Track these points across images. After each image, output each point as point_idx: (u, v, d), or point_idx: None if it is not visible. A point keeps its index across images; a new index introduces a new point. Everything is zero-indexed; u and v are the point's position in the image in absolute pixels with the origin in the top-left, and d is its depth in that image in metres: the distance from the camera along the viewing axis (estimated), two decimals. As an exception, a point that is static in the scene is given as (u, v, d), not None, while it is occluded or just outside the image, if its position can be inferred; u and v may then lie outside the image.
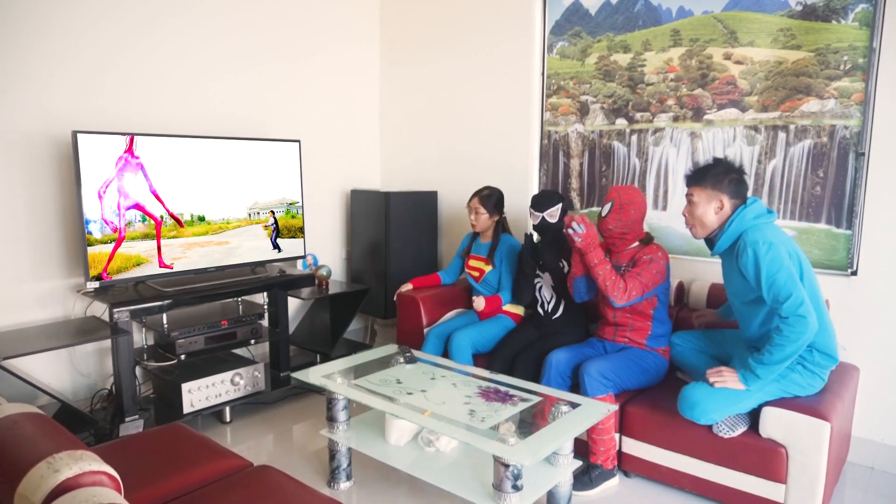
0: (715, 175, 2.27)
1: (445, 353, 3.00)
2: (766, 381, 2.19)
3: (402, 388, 2.39)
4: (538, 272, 2.96)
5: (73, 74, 2.91)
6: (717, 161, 2.37)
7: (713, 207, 2.27)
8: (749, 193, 2.57)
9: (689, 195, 2.34)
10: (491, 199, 3.14)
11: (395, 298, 3.36)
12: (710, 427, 2.28)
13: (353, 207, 4.08)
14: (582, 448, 2.50)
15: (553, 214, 2.88)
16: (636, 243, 2.63)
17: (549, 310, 2.95)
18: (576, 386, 2.55)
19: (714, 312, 2.75)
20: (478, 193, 3.17)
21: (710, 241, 2.34)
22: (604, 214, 2.60)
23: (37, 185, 2.85)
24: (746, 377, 2.20)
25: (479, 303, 3.04)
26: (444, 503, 2.38)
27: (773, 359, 2.13)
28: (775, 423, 2.16)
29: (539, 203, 2.90)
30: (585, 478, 2.45)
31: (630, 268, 2.58)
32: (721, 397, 2.22)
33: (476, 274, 3.21)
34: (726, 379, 2.23)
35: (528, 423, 2.14)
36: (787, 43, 2.73)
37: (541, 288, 2.97)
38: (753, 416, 2.26)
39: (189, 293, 2.94)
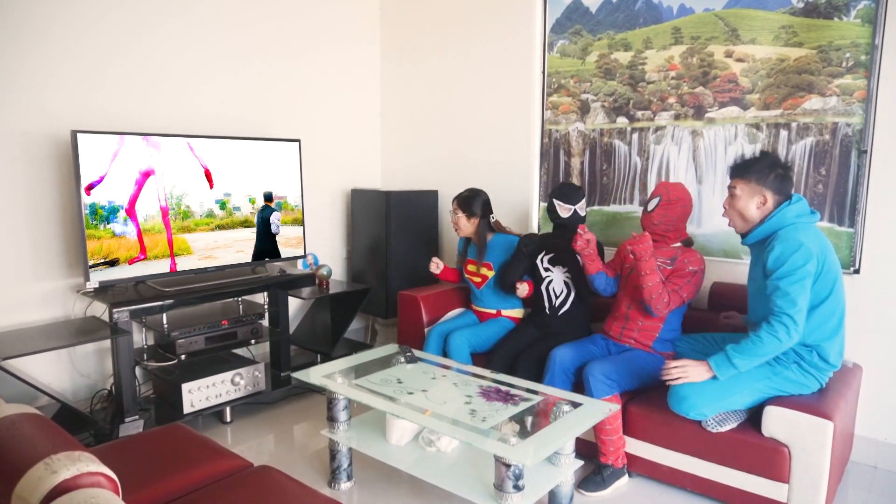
0: (760, 169, 2.21)
1: (446, 352, 2.99)
2: (739, 370, 2.15)
3: (402, 387, 2.39)
4: (549, 266, 2.94)
5: (72, 74, 2.90)
6: (763, 154, 2.31)
7: (756, 202, 2.22)
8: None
9: (731, 187, 2.28)
10: (469, 200, 3.12)
11: (432, 268, 3.26)
12: (699, 423, 2.28)
13: (354, 207, 4.08)
14: (590, 449, 2.50)
15: (583, 207, 2.93)
16: (678, 244, 2.62)
17: (557, 304, 2.93)
18: (578, 382, 2.55)
19: (739, 317, 2.70)
20: (457, 196, 3.17)
21: (743, 234, 2.31)
22: (650, 209, 2.59)
23: (37, 184, 2.84)
24: (720, 365, 2.17)
25: (523, 289, 2.96)
26: (445, 503, 2.37)
27: (750, 350, 2.13)
28: (778, 423, 2.15)
29: (569, 196, 2.91)
30: (598, 478, 2.45)
31: (666, 264, 2.56)
32: (710, 392, 2.21)
33: (478, 280, 3.17)
34: (688, 373, 2.19)
35: (530, 422, 2.13)
36: (788, 40, 2.72)
37: (550, 282, 2.95)
38: (756, 416, 2.25)
39: (189, 293, 2.93)
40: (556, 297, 2.94)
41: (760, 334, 2.11)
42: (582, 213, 2.93)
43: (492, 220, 3.18)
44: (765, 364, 2.23)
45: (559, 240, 2.93)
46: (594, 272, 2.73)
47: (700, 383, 2.23)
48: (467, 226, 3.14)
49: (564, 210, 2.91)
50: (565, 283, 2.92)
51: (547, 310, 2.96)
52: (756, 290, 2.31)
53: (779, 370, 2.22)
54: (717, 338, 2.61)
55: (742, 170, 2.25)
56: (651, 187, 3.18)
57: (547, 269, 2.97)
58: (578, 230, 2.64)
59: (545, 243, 2.99)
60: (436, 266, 3.26)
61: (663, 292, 2.47)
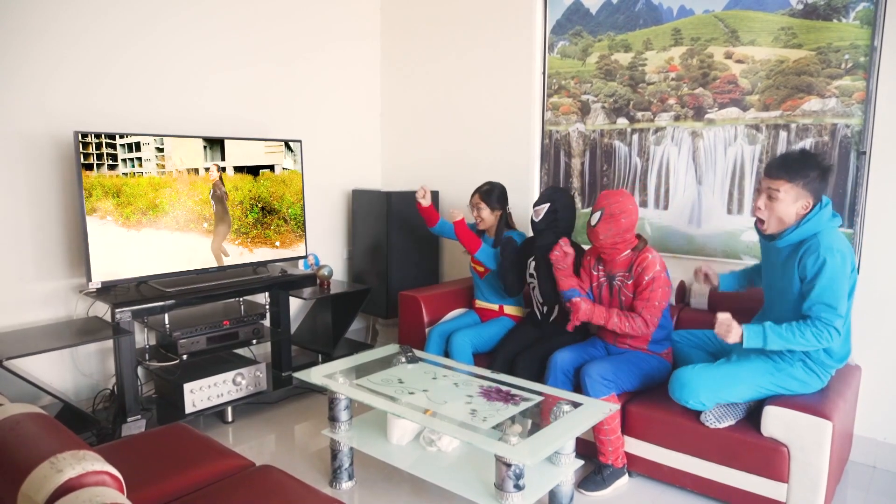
0: (808, 172, 2.09)
1: (447, 352, 3.00)
2: (765, 347, 2.11)
3: (403, 387, 2.40)
4: (533, 273, 2.94)
5: (73, 74, 2.91)
6: (807, 154, 2.16)
7: (799, 206, 2.11)
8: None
9: (773, 189, 2.13)
10: (491, 193, 3.12)
11: (419, 195, 3.23)
12: (698, 418, 2.29)
13: (355, 207, 4.08)
14: (590, 449, 2.51)
15: (538, 212, 2.86)
16: (628, 251, 2.56)
17: (545, 312, 2.94)
18: (579, 383, 2.55)
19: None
20: (478, 189, 3.16)
21: (772, 234, 2.22)
22: (593, 223, 2.53)
23: (39, 185, 2.85)
24: (752, 334, 2.10)
25: (457, 214, 3.01)
26: (446, 503, 2.38)
27: (788, 337, 2.09)
28: (777, 422, 2.16)
29: (538, 200, 2.90)
30: (598, 478, 2.46)
31: (627, 277, 2.54)
32: (712, 380, 2.22)
33: (481, 269, 3.18)
34: (731, 331, 2.11)
35: (530, 422, 2.14)
36: (788, 42, 2.73)
37: (534, 288, 2.95)
38: (755, 415, 2.26)
39: (191, 293, 2.94)
40: (541, 304, 2.94)
41: (804, 329, 2.07)
42: (535, 218, 2.85)
43: (508, 212, 3.18)
44: (769, 360, 2.24)
45: (534, 247, 2.92)
46: (566, 289, 2.63)
47: (704, 372, 2.25)
48: (490, 218, 3.13)
49: (534, 214, 2.89)
50: (541, 294, 2.91)
51: (538, 315, 2.97)
52: (780, 288, 2.25)
53: (783, 366, 2.23)
54: (712, 333, 2.61)
55: (790, 172, 2.10)
56: (651, 188, 3.18)
57: (531, 276, 2.95)
58: (560, 241, 2.61)
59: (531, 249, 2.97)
60: (423, 194, 3.22)
61: (631, 320, 2.45)
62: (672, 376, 2.31)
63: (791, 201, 2.12)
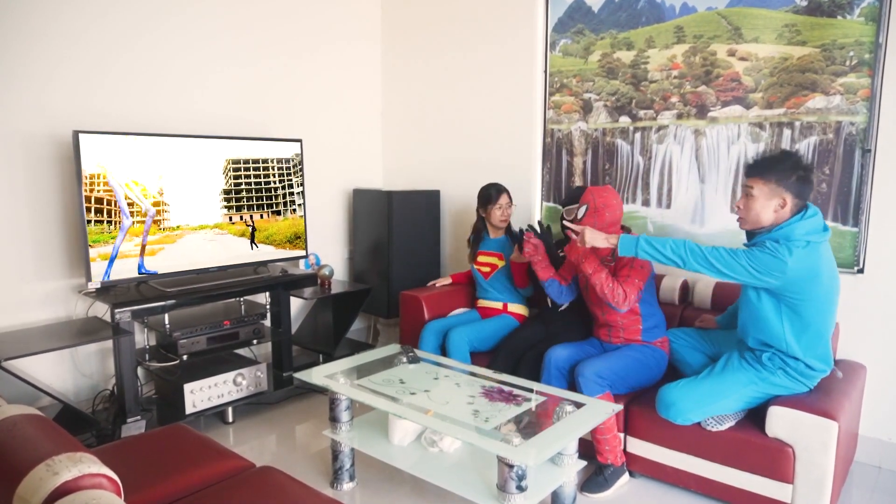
0: (782, 170, 2.08)
1: (443, 350, 2.99)
2: (636, 254, 2.21)
3: (405, 387, 2.38)
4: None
5: (72, 74, 2.90)
6: (786, 154, 2.19)
7: (774, 205, 2.10)
8: None
9: (748, 186, 2.15)
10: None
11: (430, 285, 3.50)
12: (699, 423, 2.28)
13: (356, 207, 4.07)
14: (590, 449, 2.49)
15: (570, 212, 2.89)
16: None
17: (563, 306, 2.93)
18: (574, 381, 2.54)
19: (713, 319, 2.72)
20: (504, 190, 3.20)
21: (750, 232, 2.23)
22: (579, 217, 2.59)
23: (38, 185, 2.84)
24: (625, 243, 2.23)
25: (518, 255, 2.94)
26: (447, 504, 2.37)
27: (665, 245, 2.15)
28: (781, 423, 2.14)
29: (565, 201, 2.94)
30: (600, 479, 2.45)
31: (609, 261, 2.58)
32: (697, 398, 2.22)
33: (487, 269, 3.16)
34: (586, 236, 2.31)
35: (533, 423, 2.12)
36: (792, 39, 2.71)
37: None
38: (759, 416, 2.24)
39: (191, 293, 2.93)
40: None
41: (692, 247, 2.13)
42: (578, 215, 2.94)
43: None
44: (752, 369, 2.24)
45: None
46: (545, 279, 2.72)
47: (688, 390, 2.24)
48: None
49: (566, 213, 2.91)
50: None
51: (549, 304, 2.96)
52: (746, 304, 2.26)
53: (765, 375, 2.22)
54: (709, 334, 2.62)
55: (762, 169, 2.12)
56: (654, 187, 3.17)
57: None
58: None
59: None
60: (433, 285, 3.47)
61: (615, 285, 2.45)
62: (658, 395, 2.31)
63: (765, 199, 2.11)
